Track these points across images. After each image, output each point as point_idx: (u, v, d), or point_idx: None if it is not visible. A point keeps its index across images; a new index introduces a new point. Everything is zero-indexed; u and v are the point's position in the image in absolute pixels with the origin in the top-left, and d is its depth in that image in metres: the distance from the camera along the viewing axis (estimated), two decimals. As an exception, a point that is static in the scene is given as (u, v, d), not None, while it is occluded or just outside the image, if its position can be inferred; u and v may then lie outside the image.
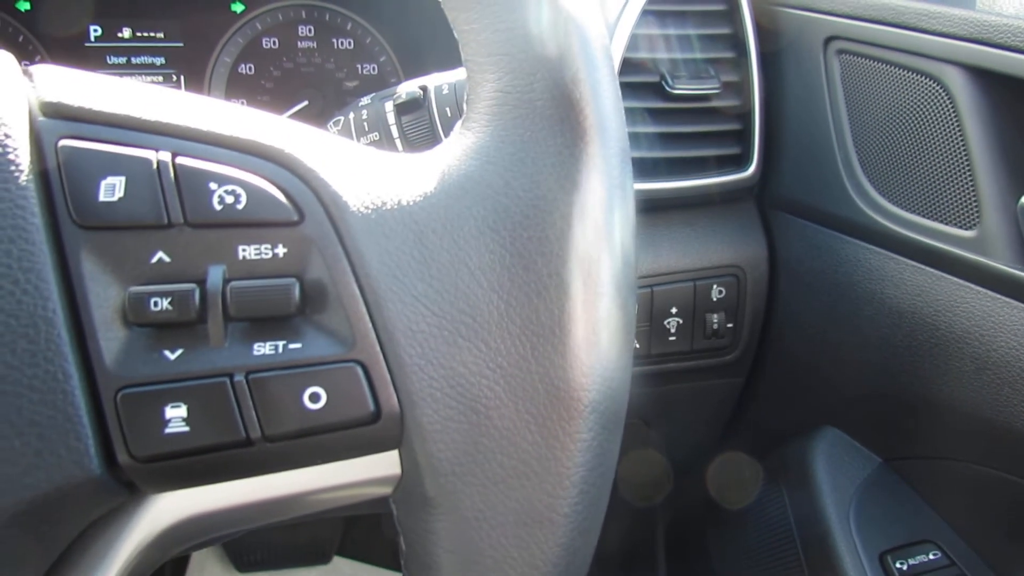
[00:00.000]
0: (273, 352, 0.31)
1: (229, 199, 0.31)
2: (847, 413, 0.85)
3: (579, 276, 0.33)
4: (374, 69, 0.93)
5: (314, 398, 0.31)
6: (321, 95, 0.91)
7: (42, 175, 0.30)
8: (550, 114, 0.33)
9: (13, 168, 0.29)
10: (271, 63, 0.90)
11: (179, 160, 0.31)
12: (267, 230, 0.31)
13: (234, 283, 0.31)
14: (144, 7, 0.87)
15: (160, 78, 0.88)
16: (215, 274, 0.31)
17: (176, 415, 0.30)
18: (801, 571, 0.84)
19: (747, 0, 0.79)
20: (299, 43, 0.91)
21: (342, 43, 0.92)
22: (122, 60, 0.87)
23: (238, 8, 0.89)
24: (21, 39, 0.84)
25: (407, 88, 0.55)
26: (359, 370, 0.32)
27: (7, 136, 0.29)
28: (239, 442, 0.31)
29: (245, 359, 0.31)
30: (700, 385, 0.91)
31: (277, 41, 0.91)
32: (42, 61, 0.84)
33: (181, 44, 0.88)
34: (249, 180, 0.31)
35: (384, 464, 0.34)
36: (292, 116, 0.90)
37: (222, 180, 0.31)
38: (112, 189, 0.30)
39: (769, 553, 0.91)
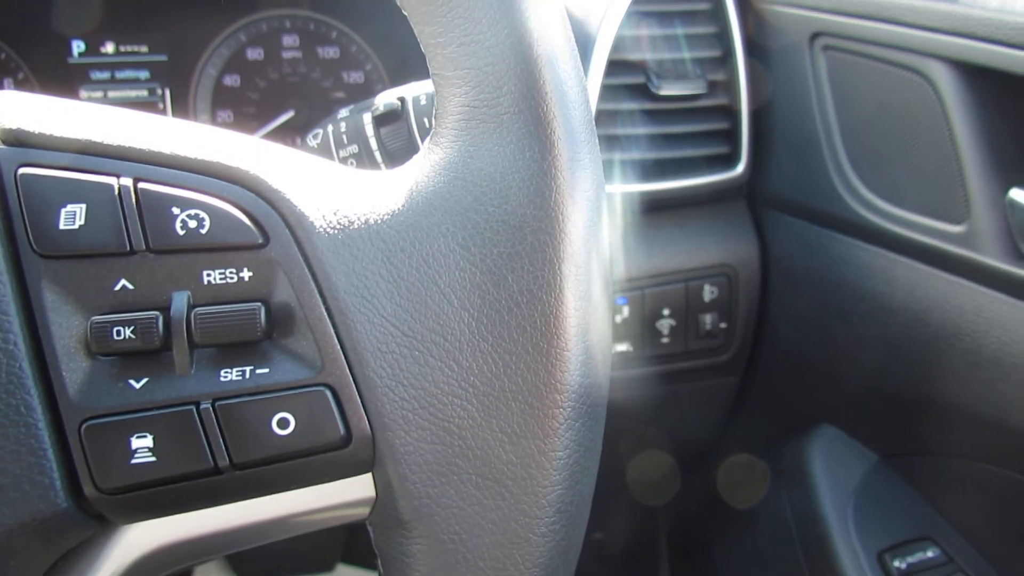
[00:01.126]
0: (240, 378, 0.31)
1: (192, 223, 0.31)
2: (844, 411, 0.84)
3: (551, 292, 0.32)
4: (360, 77, 0.93)
5: (283, 424, 0.31)
6: (307, 105, 0.91)
7: (1, 204, 0.30)
8: (518, 128, 0.33)
9: None
10: (256, 74, 0.90)
11: (141, 185, 0.31)
12: (231, 254, 0.31)
13: (199, 309, 0.30)
14: (127, 21, 0.87)
15: (145, 92, 0.88)
16: (179, 300, 0.30)
17: (142, 445, 0.30)
18: (801, 570, 0.84)
19: (732, -2, 0.79)
20: (284, 53, 0.91)
21: (327, 52, 0.92)
22: (106, 75, 0.87)
23: (222, 20, 0.89)
24: (3, 57, 0.84)
25: (384, 99, 0.54)
26: (328, 394, 0.31)
27: None
28: (207, 471, 0.30)
29: (212, 386, 0.30)
30: (696, 386, 0.90)
31: (262, 52, 0.90)
32: (25, 79, 0.84)
33: (165, 58, 0.88)
34: (212, 203, 0.31)
35: (359, 487, 0.34)
36: (278, 127, 0.89)
37: (185, 204, 0.31)
38: (73, 217, 0.30)
39: (770, 552, 0.91)
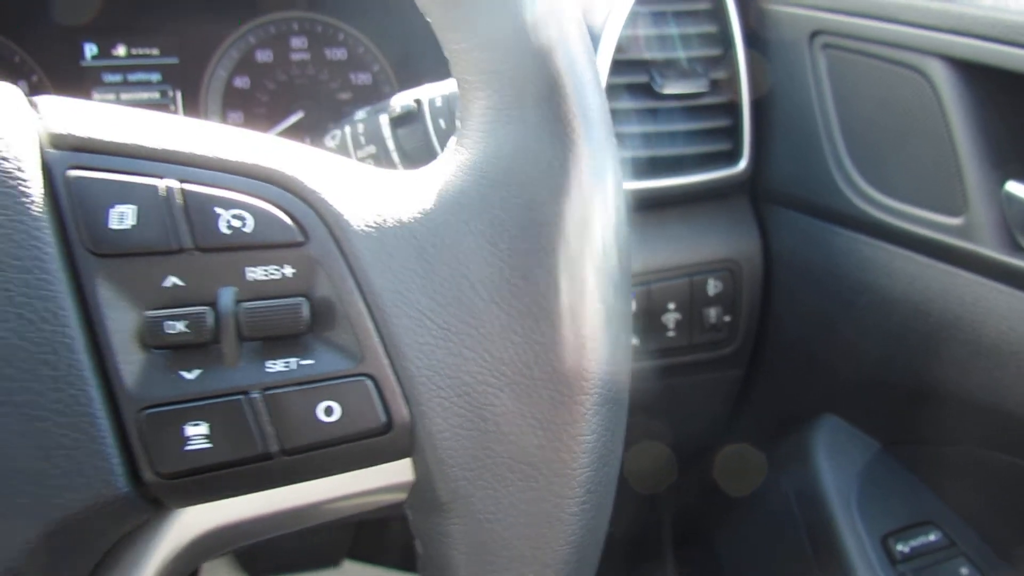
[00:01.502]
0: (286, 369, 0.32)
1: (236, 223, 0.32)
2: (846, 400, 0.86)
3: (575, 285, 0.34)
4: (368, 78, 0.94)
5: (328, 411, 0.32)
6: (316, 106, 0.93)
7: (54, 206, 0.31)
8: (540, 129, 0.34)
9: (26, 200, 0.30)
10: (266, 76, 0.91)
11: (186, 187, 0.32)
12: (274, 251, 0.33)
13: (245, 304, 0.32)
14: (139, 24, 0.88)
15: (157, 94, 0.89)
16: (226, 296, 0.32)
17: (197, 433, 0.31)
18: (806, 556, 0.86)
19: (733, -3, 0.81)
20: (292, 55, 0.92)
21: (335, 54, 0.93)
22: (118, 78, 0.88)
23: (232, 22, 0.90)
24: (17, 59, 0.85)
25: (401, 101, 0.56)
26: (370, 383, 0.33)
27: (19, 170, 0.31)
28: (258, 456, 0.32)
29: (260, 377, 0.32)
30: (701, 378, 0.92)
31: (271, 54, 0.92)
32: (39, 82, 0.85)
33: (176, 60, 0.89)
34: (255, 204, 0.33)
35: (398, 471, 0.36)
36: (287, 128, 0.91)
37: (228, 205, 0.32)
38: (122, 217, 0.31)
39: (774, 539, 0.93)
